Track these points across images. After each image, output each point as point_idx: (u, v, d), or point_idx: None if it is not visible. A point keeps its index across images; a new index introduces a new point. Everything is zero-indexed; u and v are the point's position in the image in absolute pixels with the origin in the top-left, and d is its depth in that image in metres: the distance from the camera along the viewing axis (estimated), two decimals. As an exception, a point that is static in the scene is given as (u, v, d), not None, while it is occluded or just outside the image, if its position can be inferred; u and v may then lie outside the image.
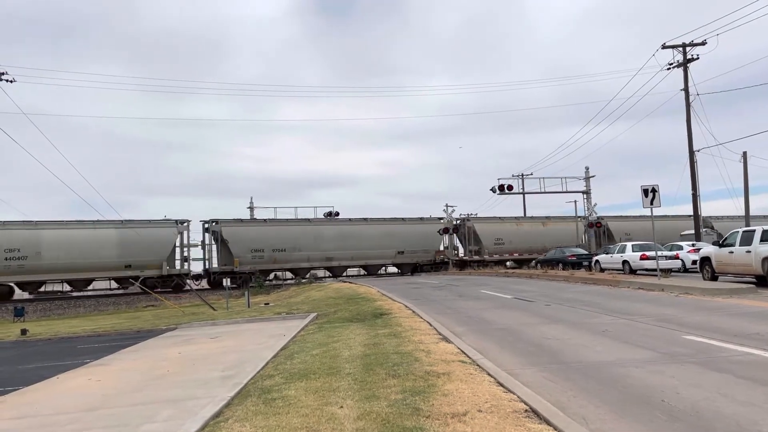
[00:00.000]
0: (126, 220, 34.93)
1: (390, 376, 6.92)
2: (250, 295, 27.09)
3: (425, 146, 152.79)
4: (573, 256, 32.93)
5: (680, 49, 32.07)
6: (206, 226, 38.87)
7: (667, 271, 21.19)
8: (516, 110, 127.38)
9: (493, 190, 42.46)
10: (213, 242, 38.38)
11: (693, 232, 34.22)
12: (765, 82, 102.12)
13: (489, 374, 6.89)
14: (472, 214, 49.85)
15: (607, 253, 27.48)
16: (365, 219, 42.84)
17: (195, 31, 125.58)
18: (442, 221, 44.57)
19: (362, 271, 43.77)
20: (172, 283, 36.25)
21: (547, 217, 49.66)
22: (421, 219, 44.57)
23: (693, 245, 28.04)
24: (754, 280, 17.15)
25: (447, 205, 44.53)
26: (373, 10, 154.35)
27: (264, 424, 5.38)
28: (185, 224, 37.39)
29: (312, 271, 41.09)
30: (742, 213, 36.24)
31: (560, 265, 32.34)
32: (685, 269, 25.55)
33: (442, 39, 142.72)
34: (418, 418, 5.17)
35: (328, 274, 42.79)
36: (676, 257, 25.03)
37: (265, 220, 41.38)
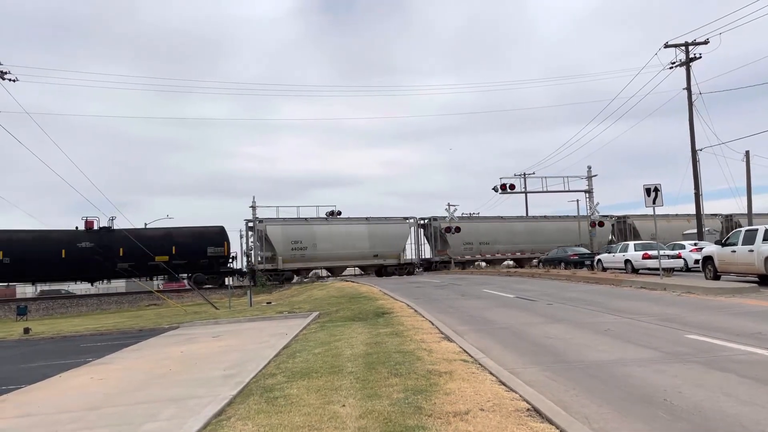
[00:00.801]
0: (371, 218, 42.68)
1: (392, 375, 6.92)
2: (253, 294, 27.13)
3: (427, 145, 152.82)
4: (575, 255, 32.92)
5: (683, 48, 31.98)
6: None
7: (669, 271, 21.16)
8: (518, 109, 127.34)
9: (495, 189, 42.42)
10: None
11: (695, 231, 34.15)
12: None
13: (491, 373, 6.88)
14: (474, 214, 49.85)
15: (609, 253, 27.45)
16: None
17: (197, 31, 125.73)
18: (409, 221, 43.89)
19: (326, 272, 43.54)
20: (405, 271, 41.60)
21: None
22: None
23: (695, 244, 27.99)
24: (756, 279, 17.11)
25: (449, 204, 44.46)
26: (374, 10, 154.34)
27: (266, 423, 5.38)
28: (413, 221, 44.42)
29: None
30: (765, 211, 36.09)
31: (562, 264, 32.33)
32: (687, 268, 25.50)
33: (444, 38, 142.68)
34: (420, 416, 5.17)
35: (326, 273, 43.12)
36: (679, 256, 24.97)
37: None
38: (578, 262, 31.56)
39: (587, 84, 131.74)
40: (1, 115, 25.06)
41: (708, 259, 18.91)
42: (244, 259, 41.02)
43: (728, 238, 18.18)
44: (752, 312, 11.43)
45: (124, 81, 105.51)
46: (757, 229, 16.72)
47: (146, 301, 33.71)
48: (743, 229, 17.67)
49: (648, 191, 18.97)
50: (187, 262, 36.50)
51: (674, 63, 32.50)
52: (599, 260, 27.82)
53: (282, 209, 42.61)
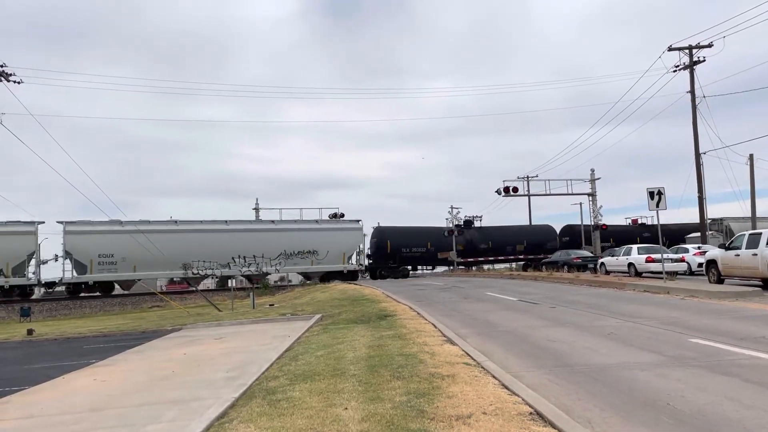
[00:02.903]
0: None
1: (394, 378, 6.92)
2: (255, 297, 27.14)
3: (431, 148, 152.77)
4: (578, 258, 32.87)
5: (687, 51, 31.96)
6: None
7: (672, 274, 21.10)
8: (522, 112, 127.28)
9: (498, 192, 42.46)
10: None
11: (699, 234, 34.08)
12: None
13: (494, 377, 6.87)
14: (476, 216, 49.78)
15: (612, 256, 27.40)
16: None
17: (201, 33, 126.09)
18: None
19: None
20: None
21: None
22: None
23: (699, 248, 27.91)
24: (760, 283, 17.06)
25: (452, 207, 44.51)
26: (379, 12, 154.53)
27: (269, 425, 5.38)
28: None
29: None
30: None
31: (565, 267, 32.27)
32: (690, 272, 25.42)
33: (448, 41, 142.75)
34: (422, 420, 5.16)
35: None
36: (682, 260, 24.90)
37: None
38: (581, 265, 31.51)
39: (591, 87, 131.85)
40: (6, 116, 25.10)
41: (712, 263, 18.85)
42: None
43: (732, 241, 18.14)
44: (756, 316, 11.39)
45: (128, 83, 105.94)
46: (761, 233, 16.67)
47: (149, 303, 33.77)
48: (747, 233, 17.62)
49: (651, 194, 18.94)
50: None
51: (678, 66, 32.48)
52: (602, 263, 27.76)
53: (285, 211, 42.62)
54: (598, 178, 45.48)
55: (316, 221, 41.00)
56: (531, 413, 5.33)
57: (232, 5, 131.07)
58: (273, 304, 25.22)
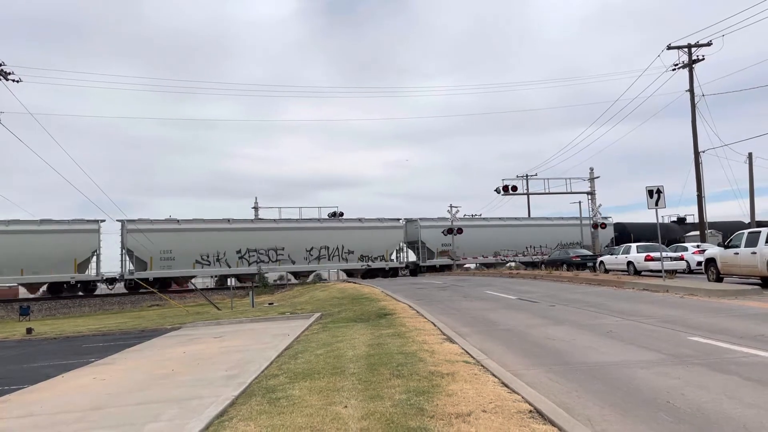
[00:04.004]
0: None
1: (394, 376, 6.92)
2: (255, 295, 27.16)
3: (430, 147, 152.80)
4: (577, 257, 32.90)
5: (686, 49, 31.97)
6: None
7: (671, 273, 21.11)
8: (521, 111, 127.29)
9: (497, 190, 42.44)
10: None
11: (698, 233, 34.10)
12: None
13: (493, 375, 6.88)
14: (476, 215, 49.81)
15: (611, 254, 27.42)
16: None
17: (201, 32, 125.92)
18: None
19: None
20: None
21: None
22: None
23: (698, 246, 27.94)
24: (759, 281, 17.07)
25: (451, 206, 44.48)
26: (378, 11, 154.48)
27: (268, 424, 5.38)
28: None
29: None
30: None
31: (565, 266, 32.29)
32: (689, 270, 25.44)
33: (447, 40, 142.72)
34: (422, 418, 5.16)
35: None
36: (681, 258, 24.93)
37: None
38: (580, 264, 31.53)
39: (590, 85, 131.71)
40: (5, 115, 25.08)
41: (711, 261, 18.87)
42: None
43: (731, 240, 18.15)
44: (755, 314, 11.41)
45: (128, 82, 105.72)
46: (760, 232, 16.69)
47: (148, 302, 33.78)
48: (746, 232, 17.64)
49: (651, 193, 18.94)
50: None
51: (677, 65, 32.49)
52: (601, 262, 27.78)
53: (284, 210, 42.80)
54: (597, 177, 45.49)
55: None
56: (531, 411, 5.33)
57: (232, 4, 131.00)
58: (272, 303, 25.22)
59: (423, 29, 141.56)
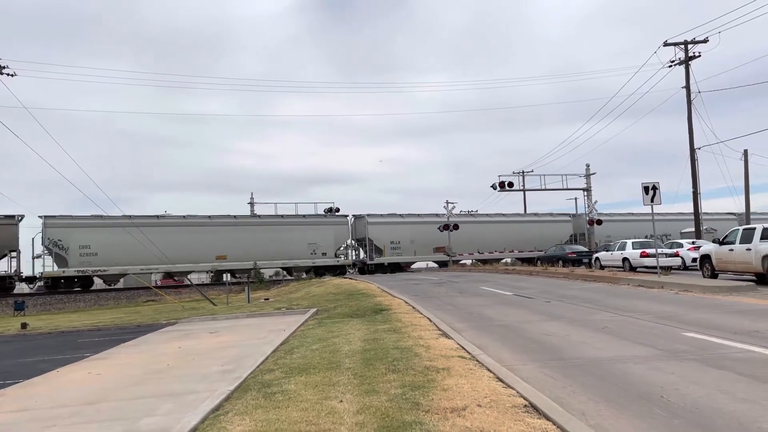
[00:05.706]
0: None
1: (390, 371, 6.93)
2: (250, 291, 27.13)
3: (427, 143, 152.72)
4: (573, 253, 33.02)
5: (682, 46, 31.99)
6: None
7: (667, 269, 21.20)
8: (518, 107, 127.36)
9: (493, 187, 42.48)
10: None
11: (693, 229, 34.22)
12: (767, 80, 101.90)
13: (489, 370, 6.89)
14: (473, 211, 49.84)
15: (607, 251, 27.50)
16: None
17: (197, 27, 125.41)
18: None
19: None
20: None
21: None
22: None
23: (693, 243, 28.06)
24: (753, 278, 17.16)
25: (447, 202, 44.49)
26: (375, 7, 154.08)
27: (264, 418, 5.38)
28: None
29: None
30: None
31: (560, 262, 32.39)
32: (685, 267, 25.57)
33: (445, 36, 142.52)
34: (417, 412, 5.17)
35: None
36: (676, 255, 25.05)
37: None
38: (576, 260, 31.63)
39: (587, 82, 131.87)
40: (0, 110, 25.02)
41: (706, 258, 18.95)
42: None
43: (726, 236, 18.22)
44: (749, 310, 11.46)
45: (123, 77, 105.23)
46: (754, 228, 16.76)
47: (144, 297, 33.72)
48: (741, 228, 17.70)
49: (646, 189, 19.01)
50: None
51: (674, 61, 32.52)
52: (597, 258, 27.88)
53: (280, 206, 42.67)
54: (593, 173, 45.63)
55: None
56: (525, 405, 5.35)
57: (229, 0, 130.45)
58: (268, 299, 25.20)
59: (421, 24, 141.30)
